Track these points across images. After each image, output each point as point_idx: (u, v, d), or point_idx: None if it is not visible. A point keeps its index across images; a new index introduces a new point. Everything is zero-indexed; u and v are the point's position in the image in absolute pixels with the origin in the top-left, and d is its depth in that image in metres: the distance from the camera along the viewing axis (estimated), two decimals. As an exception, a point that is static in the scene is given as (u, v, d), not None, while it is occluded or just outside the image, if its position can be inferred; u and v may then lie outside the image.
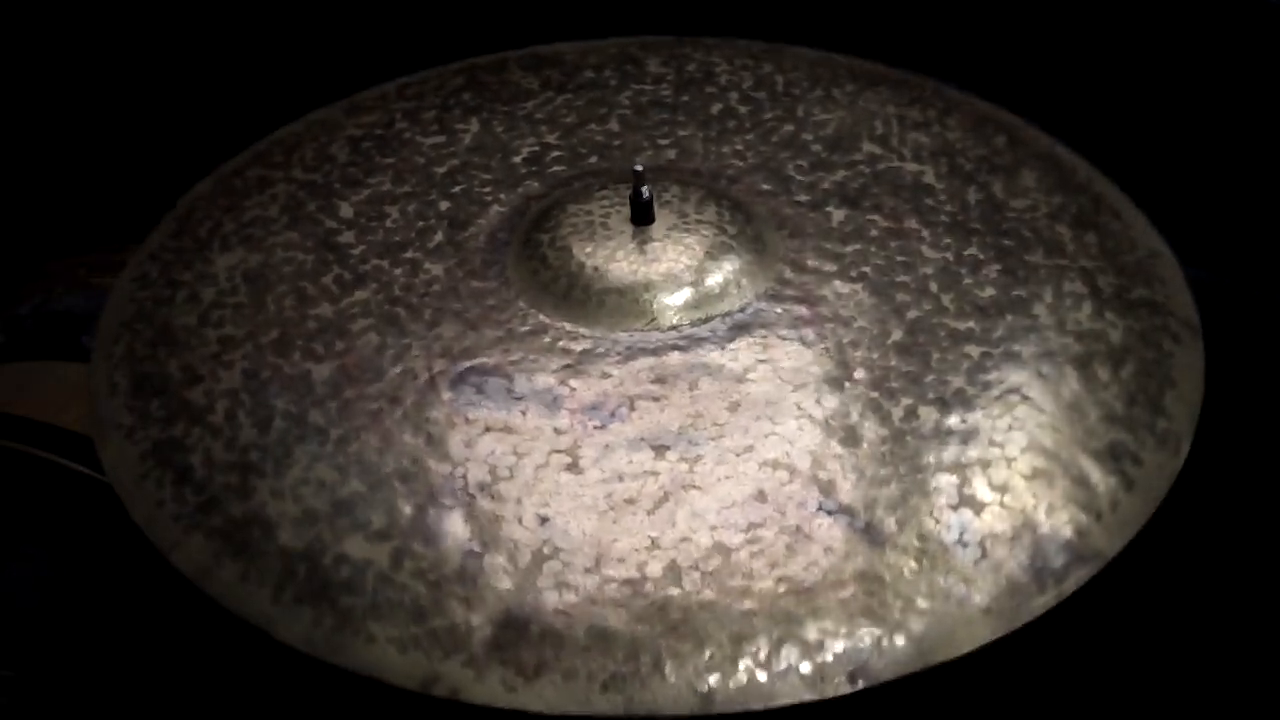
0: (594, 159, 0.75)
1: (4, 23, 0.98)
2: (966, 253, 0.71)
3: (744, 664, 0.58)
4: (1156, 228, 0.73)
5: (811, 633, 0.58)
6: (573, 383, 0.64)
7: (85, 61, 1.01)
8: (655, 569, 0.59)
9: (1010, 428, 0.64)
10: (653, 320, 0.67)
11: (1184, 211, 0.77)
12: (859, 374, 0.65)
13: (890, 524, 0.61)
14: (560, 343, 0.66)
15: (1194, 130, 0.88)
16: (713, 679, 0.57)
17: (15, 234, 0.98)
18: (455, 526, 0.61)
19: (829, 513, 0.61)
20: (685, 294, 0.67)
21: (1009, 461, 0.63)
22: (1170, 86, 0.88)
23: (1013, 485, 0.62)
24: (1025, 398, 0.65)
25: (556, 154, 0.76)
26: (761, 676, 0.57)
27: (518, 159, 0.75)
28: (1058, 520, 0.62)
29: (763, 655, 0.58)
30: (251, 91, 1.00)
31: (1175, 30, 0.86)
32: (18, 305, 0.88)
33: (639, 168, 0.69)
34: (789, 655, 0.58)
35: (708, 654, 0.58)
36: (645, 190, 0.69)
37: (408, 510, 0.61)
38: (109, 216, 0.87)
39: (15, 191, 1.00)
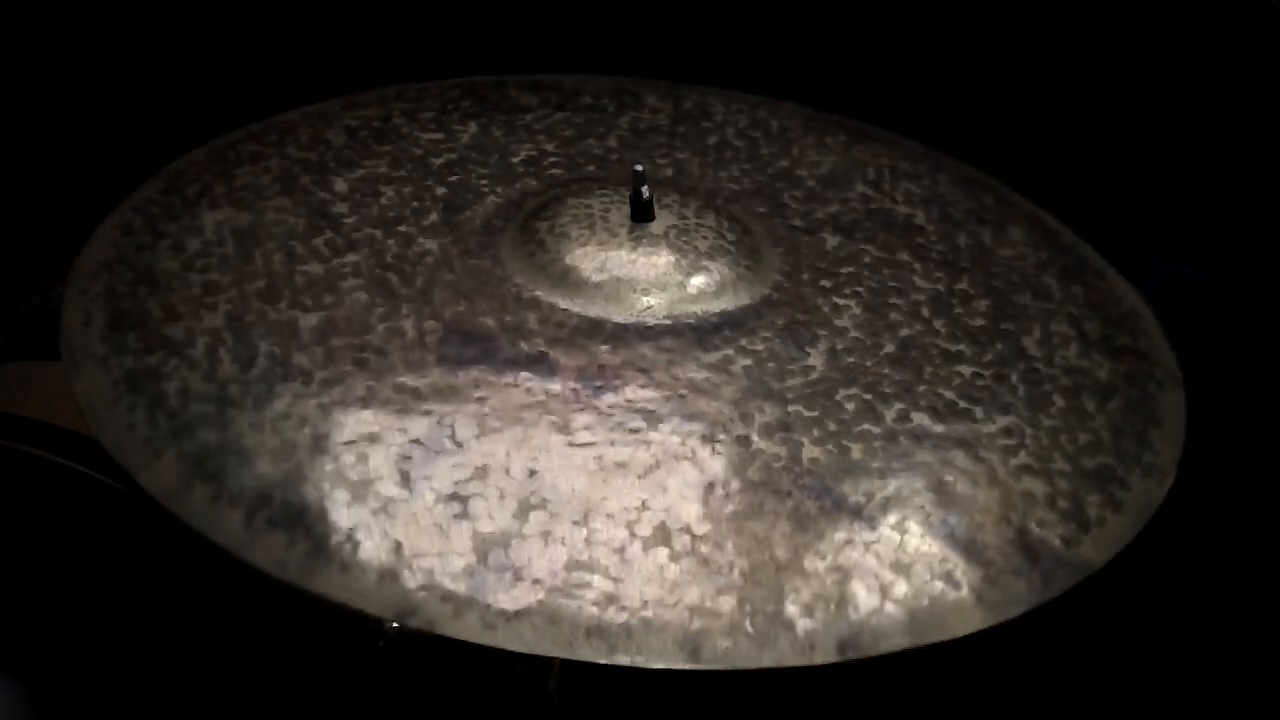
0: (592, 168, 0.75)
1: (6, 22, 0.97)
2: (957, 287, 0.71)
3: (731, 625, 0.56)
4: (1156, 229, 0.74)
5: (804, 600, 0.57)
6: (564, 356, 0.63)
7: (88, 62, 1.00)
8: (645, 529, 0.58)
9: (1002, 439, 0.64)
10: (648, 309, 0.66)
11: (1184, 213, 0.78)
12: (852, 377, 0.65)
13: (881, 510, 0.60)
14: (554, 318, 0.65)
15: (1195, 131, 0.89)
16: (700, 637, 0.55)
17: (15, 234, 0.96)
18: (439, 471, 0.59)
19: (820, 494, 0.60)
20: (680, 290, 0.67)
21: (1000, 469, 0.62)
22: (1171, 86, 0.90)
23: (1004, 492, 0.62)
24: (1017, 415, 0.65)
25: (554, 159, 0.76)
26: (748, 639, 0.56)
27: (515, 160, 0.75)
28: (1048, 531, 0.61)
29: (749, 620, 0.56)
30: (254, 96, 1.00)
31: (1175, 31, 0.88)
32: (18, 305, 0.88)
33: (639, 167, 0.69)
34: (777, 621, 0.56)
35: (695, 614, 0.56)
36: (645, 190, 0.69)
37: (391, 452, 0.59)
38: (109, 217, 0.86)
39: (15, 192, 0.99)
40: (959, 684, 0.60)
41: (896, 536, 0.59)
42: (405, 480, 0.58)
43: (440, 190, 0.72)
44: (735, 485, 0.60)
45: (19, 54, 0.99)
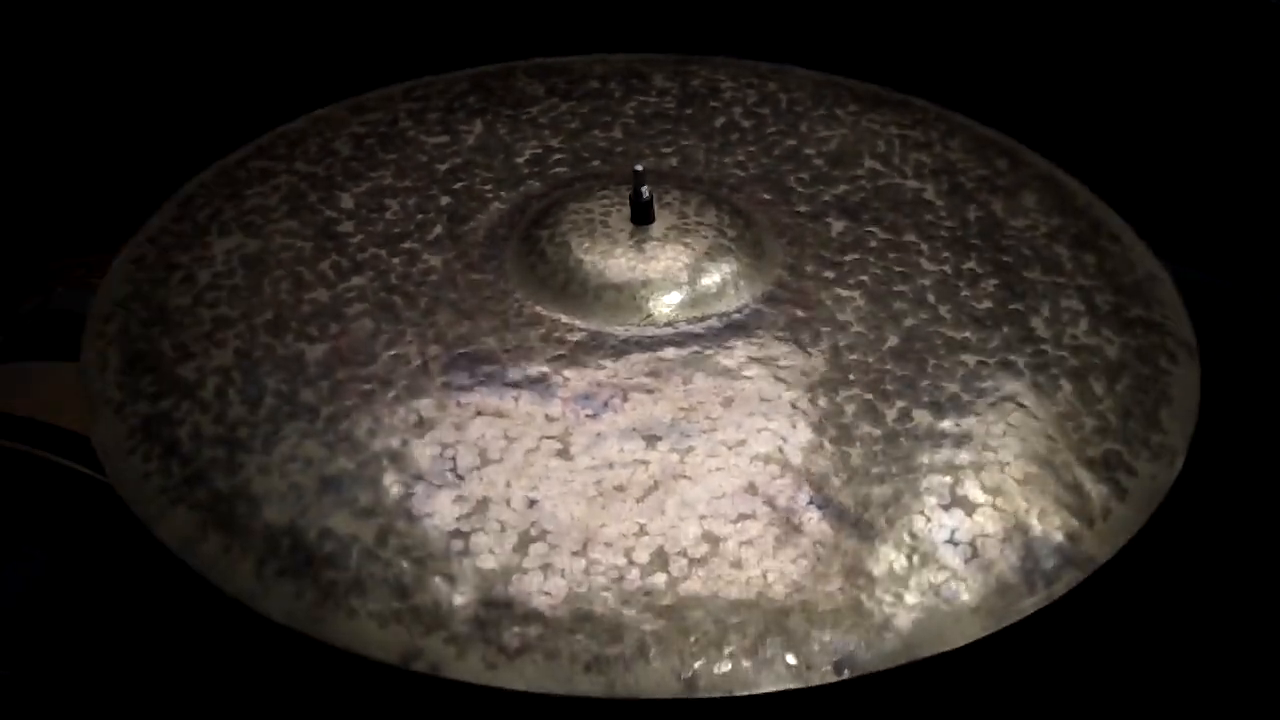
0: (596, 163, 0.76)
1: (6, 22, 0.98)
2: (965, 266, 0.71)
3: (728, 650, 0.57)
4: (1156, 229, 0.73)
5: (798, 623, 0.58)
6: (566, 372, 0.64)
7: (89, 62, 1.01)
8: (643, 555, 0.59)
9: (1004, 433, 0.64)
10: (649, 317, 0.67)
11: (1184, 213, 0.77)
12: (854, 376, 0.65)
13: (881, 521, 0.60)
14: (555, 334, 0.66)
15: (1195, 131, 0.88)
16: (696, 664, 0.57)
17: (15, 234, 0.97)
18: (442, 506, 0.60)
19: (819, 507, 0.60)
20: (682, 293, 0.67)
21: (1002, 466, 0.63)
22: (1171, 87, 0.88)
23: (1005, 489, 0.62)
24: (1020, 405, 0.65)
25: (559, 157, 0.76)
26: (746, 664, 0.57)
27: (520, 160, 0.75)
28: (1049, 524, 0.61)
29: (748, 643, 0.57)
30: (256, 96, 1.00)
31: (1175, 31, 0.86)
32: (18, 305, 0.88)
33: (639, 168, 0.69)
34: (774, 644, 0.57)
35: (692, 639, 0.57)
36: (645, 190, 0.69)
37: (395, 489, 0.61)
38: (109, 216, 0.87)
39: (15, 191, 1.00)
40: (958, 681, 0.61)
41: (897, 544, 0.60)
42: (409, 518, 0.60)
43: (445, 200, 0.73)
44: (738, 504, 0.60)
45: (19, 54, 0.99)
